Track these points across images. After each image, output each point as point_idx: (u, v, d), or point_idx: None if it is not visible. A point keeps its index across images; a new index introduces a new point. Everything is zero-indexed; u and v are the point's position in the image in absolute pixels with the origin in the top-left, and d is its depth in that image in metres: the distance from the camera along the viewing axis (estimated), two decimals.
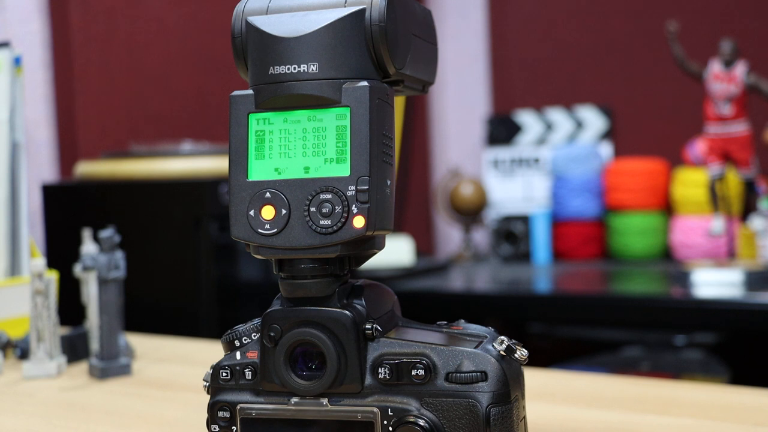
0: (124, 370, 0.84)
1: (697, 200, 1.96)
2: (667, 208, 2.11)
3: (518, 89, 2.46)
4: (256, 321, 0.51)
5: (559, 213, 2.17)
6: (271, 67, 0.47)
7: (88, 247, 0.95)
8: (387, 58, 0.47)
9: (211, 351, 0.94)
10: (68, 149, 1.65)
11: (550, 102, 2.37)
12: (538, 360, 1.40)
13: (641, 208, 2.09)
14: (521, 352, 0.48)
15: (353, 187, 0.46)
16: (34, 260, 0.85)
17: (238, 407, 0.50)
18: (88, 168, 1.49)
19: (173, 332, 1.18)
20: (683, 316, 1.55)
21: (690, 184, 2.00)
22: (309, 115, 0.47)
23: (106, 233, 0.83)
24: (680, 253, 2.02)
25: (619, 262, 2.11)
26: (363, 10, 0.47)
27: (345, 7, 0.47)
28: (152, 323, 1.29)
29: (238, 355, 0.50)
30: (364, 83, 0.46)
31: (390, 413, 0.47)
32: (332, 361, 0.47)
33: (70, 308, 1.14)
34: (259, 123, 0.48)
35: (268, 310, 0.49)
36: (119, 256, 0.83)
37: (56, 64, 1.63)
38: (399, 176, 2.41)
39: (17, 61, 1.07)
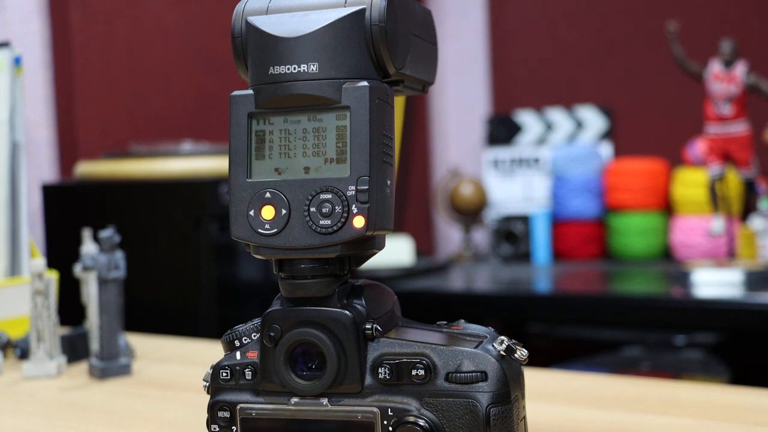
0: (124, 370, 0.84)
1: (697, 200, 1.96)
2: (667, 208, 2.11)
3: (518, 89, 2.46)
4: (256, 321, 0.51)
5: (559, 213, 2.17)
6: (271, 67, 0.47)
7: (88, 247, 0.95)
8: (387, 58, 0.47)
9: (211, 351, 0.94)
10: (68, 149, 1.65)
11: (550, 102, 2.37)
12: (538, 360, 1.40)
13: (641, 208, 2.09)
14: (521, 352, 0.48)
15: (353, 187, 0.46)
16: (34, 260, 0.85)
17: (238, 407, 0.50)
18: (88, 168, 1.49)
19: (173, 332, 1.18)
20: (683, 316, 1.55)
21: (690, 184, 2.00)
22: (309, 116, 0.47)
23: (106, 233, 0.83)
24: (680, 253, 2.02)
25: (619, 262, 2.11)
26: (363, 10, 0.47)
27: (345, 7, 0.47)
28: (152, 323, 1.29)
29: (238, 355, 0.50)
30: (364, 83, 0.46)
31: (390, 413, 0.47)
32: (332, 361, 0.47)
33: (70, 308, 1.14)
34: (259, 123, 0.48)
35: (268, 310, 0.49)
36: (119, 256, 0.83)
37: (56, 64, 1.63)
38: (399, 176, 2.41)
39: (17, 61, 1.07)
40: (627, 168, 2.12)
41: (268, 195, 0.47)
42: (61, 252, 1.39)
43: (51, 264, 1.15)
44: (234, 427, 0.50)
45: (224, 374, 0.50)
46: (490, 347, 0.48)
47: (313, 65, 0.47)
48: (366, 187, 0.46)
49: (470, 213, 2.25)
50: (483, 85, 2.49)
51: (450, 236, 2.51)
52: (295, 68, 0.47)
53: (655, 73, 2.25)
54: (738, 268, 1.61)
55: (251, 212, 0.48)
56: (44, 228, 1.49)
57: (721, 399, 0.68)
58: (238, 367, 0.50)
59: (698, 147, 1.80)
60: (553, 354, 1.93)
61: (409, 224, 2.44)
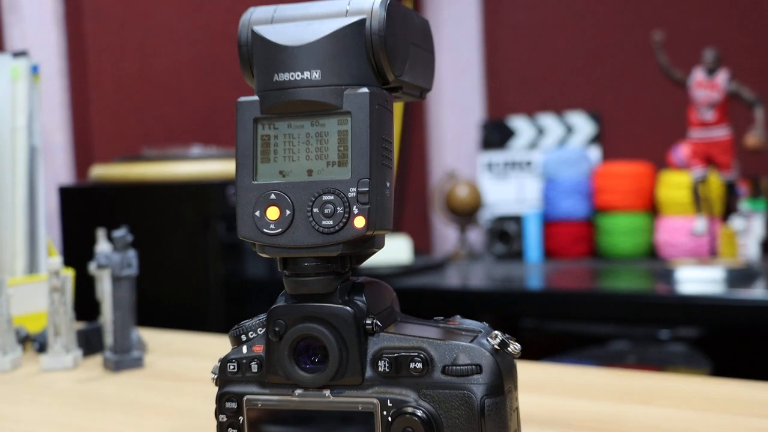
0: (137, 363, 0.84)
1: (680, 201, 1.96)
2: (653, 209, 2.11)
3: (511, 96, 2.45)
4: (262, 316, 0.50)
5: (550, 213, 2.17)
6: (276, 74, 0.47)
7: (103, 246, 0.95)
8: (386, 66, 0.47)
9: (219, 345, 0.94)
10: (83, 153, 1.65)
11: (542, 108, 2.37)
12: (531, 354, 1.39)
13: (628, 209, 2.09)
14: (514, 346, 0.48)
15: (354, 189, 0.46)
16: (51, 259, 0.85)
17: (245, 398, 0.50)
18: (102, 171, 1.49)
19: (183, 327, 1.18)
20: (667, 312, 1.55)
21: (674, 186, 2.00)
22: (312, 120, 0.47)
23: (120, 233, 0.83)
24: (665, 252, 2.02)
25: (606, 260, 2.11)
26: (364, 20, 0.47)
27: (346, 17, 0.47)
28: (163, 319, 1.29)
29: (244, 348, 0.50)
30: (365, 90, 0.46)
31: (389, 404, 0.47)
32: (334, 355, 0.47)
33: (86, 304, 1.14)
34: (264, 128, 0.48)
35: (273, 306, 0.49)
36: (132, 254, 0.83)
37: (72, 72, 1.63)
38: (398, 179, 2.41)
39: (35, 70, 1.07)
40: (614, 171, 2.12)
41: (273, 196, 0.47)
42: (76, 251, 1.39)
43: (67, 262, 1.15)
44: (241, 417, 0.50)
45: (231, 367, 0.50)
46: (484, 341, 0.48)
47: (316, 72, 0.46)
48: (366, 189, 0.46)
49: (465, 214, 2.25)
50: (478, 91, 2.49)
51: (446, 236, 2.51)
52: (298, 75, 0.47)
53: (642, 81, 2.25)
54: (719, 266, 1.61)
55: (257, 213, 0.47)
56: (61, 228, 1.48)
57: (702, 390, 0.68)
58: (244, 361, 0.50)
59: (682, 151, 1.80)
60: (545, 348, 1.93)
61: (408, 224, 2.44)
